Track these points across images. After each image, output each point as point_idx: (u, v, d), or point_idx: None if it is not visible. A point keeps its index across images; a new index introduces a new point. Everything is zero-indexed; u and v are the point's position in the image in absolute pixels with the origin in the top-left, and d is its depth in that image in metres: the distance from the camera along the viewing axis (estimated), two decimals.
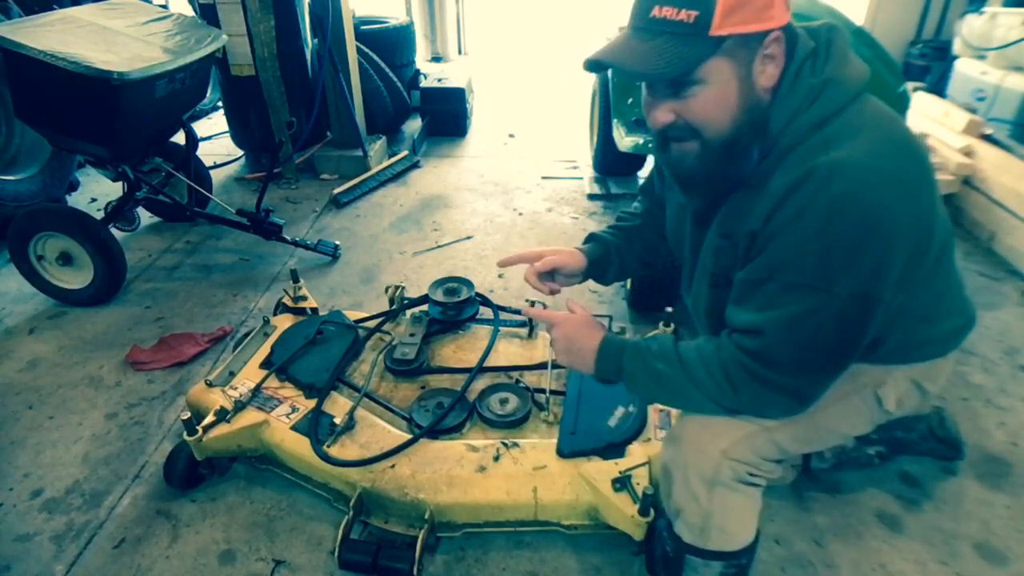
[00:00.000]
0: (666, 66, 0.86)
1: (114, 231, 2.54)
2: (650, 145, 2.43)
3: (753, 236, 0.94)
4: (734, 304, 0.99)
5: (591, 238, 1.40)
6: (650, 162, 3.33)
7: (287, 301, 2.01)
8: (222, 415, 1.53)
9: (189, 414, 1.47)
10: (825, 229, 0.84)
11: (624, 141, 2.65)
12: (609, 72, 3.02)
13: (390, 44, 4.12)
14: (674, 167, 1.01)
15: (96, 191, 3.44)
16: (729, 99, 0.89)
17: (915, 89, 3.59)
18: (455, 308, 1.89)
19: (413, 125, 4.26)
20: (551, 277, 1.32)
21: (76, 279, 2.40)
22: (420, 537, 1.34)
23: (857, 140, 0.86)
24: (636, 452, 1.43)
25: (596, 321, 1.17)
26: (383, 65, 3.94)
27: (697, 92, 0.89)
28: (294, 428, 1.53)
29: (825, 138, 0.88)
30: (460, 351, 1.84)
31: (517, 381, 1.70)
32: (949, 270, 1.06)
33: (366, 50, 3.81)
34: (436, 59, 6.53)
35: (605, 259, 1.36)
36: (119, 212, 2.55)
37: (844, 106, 0.90)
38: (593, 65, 0.95)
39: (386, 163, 3.68)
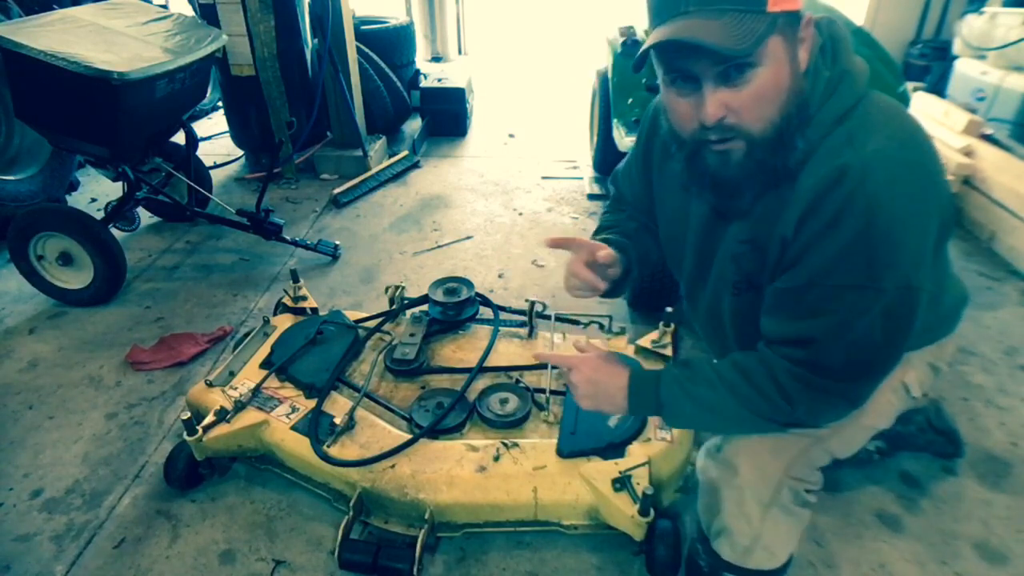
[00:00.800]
0: (742, 41, 0.79)
1: (114, 231, 2.54)
2: None
3: (784, 241, 0.92)
4: (771, 315, 0.96)
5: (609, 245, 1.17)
6: None
7: (287, 301, 2.01)
8: (222, 415, 1.53)
9: (189, 414, 1.47)
10: (868, 228, 0.83)
11: (624, 141, 2.65)
12: (609, 72, 3.02)
13: (390, 44, 4.12)
14: (712, 172, 0.93)
15: (96, 191, 3.44)
16: (783, 82, 0.85)
17: (915, 89, 3.59)
18: (455, 308, 1.89)
19: (413, 125, 4.26)
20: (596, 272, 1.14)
21: (76, 279, 2.40)
22: (420, 537, 1.34)
23: (878, 133, 0.86)
24: (636, 452, 1.43)
25: (614, 356, 1.12)
26: (383, 65, 3.94)
27: (754, 76, 0.83)
28: (294, 428, 1.53)
29: (848, 133, 0.87)
30: (460, 351, 1.83)
31: (517, 381, 1.70)
32: (946, 251, 1.08)
33: (366, 50, 3.81)
34: (436, 59, 6.53)
35: (628, 271, 1.22)
36: (119, 212, 2.55)
37: (859, 99, 0.90)
38: (639, 61, 0.90)
39: (386, 163, 3.68)
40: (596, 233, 1.33)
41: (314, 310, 2.03)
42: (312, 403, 1.59)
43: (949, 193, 0.94)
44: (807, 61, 0.89)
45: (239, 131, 3.69)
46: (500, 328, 1.85)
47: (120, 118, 2.11)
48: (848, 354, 0.90)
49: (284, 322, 1.92)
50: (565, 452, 1.43)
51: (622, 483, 1.33)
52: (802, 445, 1.06)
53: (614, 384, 1.06)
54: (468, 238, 2.95)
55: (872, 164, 0.83)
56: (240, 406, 1.56)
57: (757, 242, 0.98)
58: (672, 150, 1.00)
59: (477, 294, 1.95)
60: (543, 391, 1.62)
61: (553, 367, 1.68)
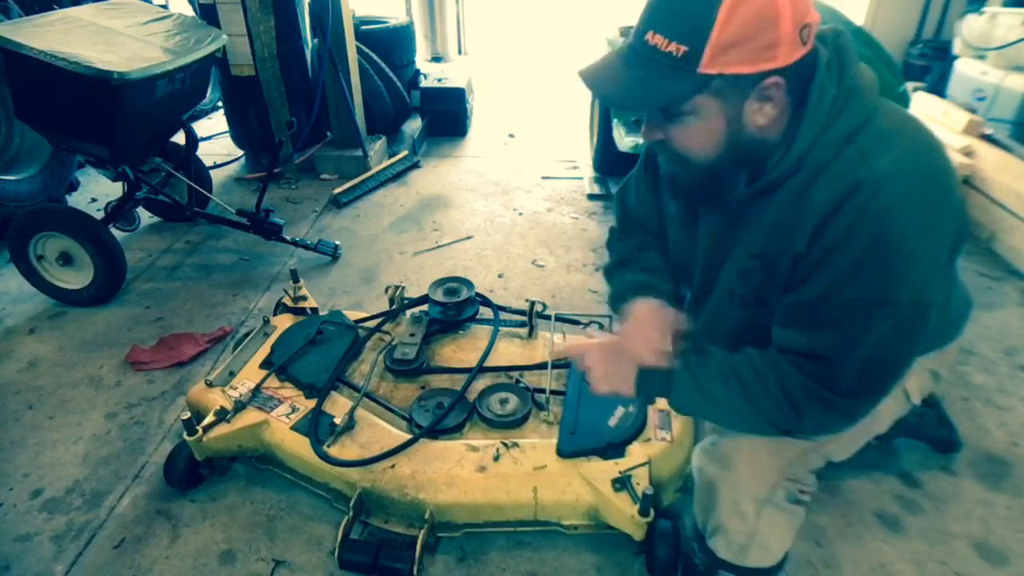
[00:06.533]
0: (646, 98, 0.86)
1: (114, 231, 2.54)
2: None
3: (797, 257, 0.91)
4: (783, 327, 0.96)
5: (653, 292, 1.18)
6: None
7: (287, 301, 2.01)
8: (222, 415, 1.53)
9: (189, 414, 1.47)
10: (880, 241, 0.83)
11: (624, 141, 2.65)
12: None
13: (390, 44, 4.12)
14: (669, 178, 1.03)
15: (96, 191, 3.44)
16: (714, 134, 0.88)
17: (915, 89, 3.59)
18: (455, 308, 1.89)
19: (413, 125, 4.26)
20: None
21: (76, 279, 2.40)
22: (420, 537, 1.34)
23: (892, 147, 0.85)
24: (636, 452, 1.43)
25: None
26: (383, 65, 3.94)
27: (684, 122, 0.88)
28: (294, 428, 1.53)
29: (861, 149, 0.86)
30: (460, 351, 1.83)
31: (517, 381, 1.70)
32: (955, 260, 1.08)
33: (366, 50, 3.81)
34: (436, 59, 6.53)
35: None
36: (119, 212, 2.55)
37: (869, 114, 0.89)
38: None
39: (386, 163, 3.68)
40: (613, 270, 1.29)
41: (314, 310, 2.03)
42: (312, 403, 1.59)
43: (963, 205, 0.93)
44: (773, 116, 0.88)
45: (239, 131, 3.69)
46: (500, 328, 1.85)
47: (120, 118, 2.11)
48: (859, 369, 0.90)
49: (284, 322, 1.92)
50: (565, 452, 1.43)
51: (622, 483, 1.33)
52: (800, 448, 1.06)
53: (627, 365, 1.09)
54: (468, 238, 2.95)
55: (885, 178, 0.82)
56: (240, 406, 1.56)
57: (766, 258, 0.97)
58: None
59: (477, 294, 1.95)
60: (543, 391, 1.62)
61: (554, 367, 1.68)
